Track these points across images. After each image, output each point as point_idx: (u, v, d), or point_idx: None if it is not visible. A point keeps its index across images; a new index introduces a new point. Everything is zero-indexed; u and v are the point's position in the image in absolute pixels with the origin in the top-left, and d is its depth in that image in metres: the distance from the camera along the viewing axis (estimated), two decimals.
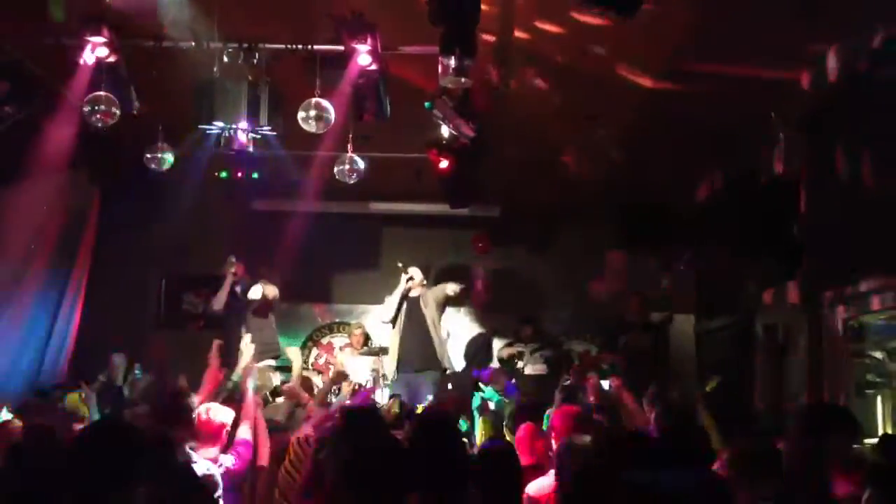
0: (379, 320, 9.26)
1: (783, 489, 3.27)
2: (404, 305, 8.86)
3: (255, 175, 8.29)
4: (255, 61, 5.86)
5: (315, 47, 5.78)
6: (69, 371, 8.67)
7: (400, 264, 8.93)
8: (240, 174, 8.25)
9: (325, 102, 5.83)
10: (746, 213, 7.32)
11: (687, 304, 9.76)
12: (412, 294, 8.90)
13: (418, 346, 8.69)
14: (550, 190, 9.19)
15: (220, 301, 8.75)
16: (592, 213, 9.57)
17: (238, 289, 8.81)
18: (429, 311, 8.81)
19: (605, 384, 6.17)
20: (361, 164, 7.23)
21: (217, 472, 4.24)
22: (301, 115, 5.84)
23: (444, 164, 7.61)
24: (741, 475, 3.39)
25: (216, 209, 9.58)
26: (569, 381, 7.27)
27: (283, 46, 5.84)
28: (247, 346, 5.67)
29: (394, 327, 8.90)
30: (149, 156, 7.26)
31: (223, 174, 8.22)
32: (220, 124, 6.13)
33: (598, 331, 10.06)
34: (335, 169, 7.23)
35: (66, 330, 8.80)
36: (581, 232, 10.02)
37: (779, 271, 7.07)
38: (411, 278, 8.85)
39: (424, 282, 9.08)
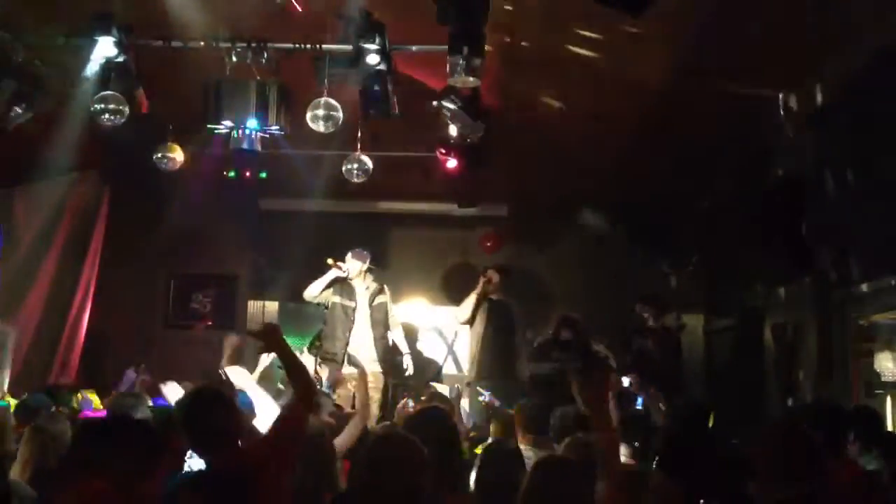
0: (455, 320, 8.61)
1: (804, 489, 3.21)
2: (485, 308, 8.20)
3: (264, 174, 8.29)
4: (263, 60, 5.87)
5: (324, 46, 5.79)
6: (79, 370, 8.69)
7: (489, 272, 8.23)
8: (248, 173, 8.24)
9: (333, 101, 5.83)
10: (755, 212, 7.30)
11: (695, 304, 9.72)
12: (494, 297, 8.26)
13: (499, 355, 8.09)
14: (559, 189, 9.17)
15: (311, 290, 7.93)
16: (602, 212, 9.54)
17: (363, 288, 7.94)
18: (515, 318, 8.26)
19: (626, 381, 6.17)
20: (370, 164, 7.23)
21: None
22: (309, 114, 5.84)
23: (452, 163, 7.62)
24: (764, 474, 3.33)
25: (224, 209, 9.59)
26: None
27: (291, 45, 5.85)
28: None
29: (471, 328, 8.30)
30: (158, 155, 7.29)
31: (231, 173, 8.21)
32: (229, 123, 6.16)
33: (607, 331, 9.96)
34: (343, 168, 7.23)
35: (75, 329, 8.82)
36: (590, 231, 9.98)
37: (788, 270, 7.05)
38: (489, 281, 8.16)
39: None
